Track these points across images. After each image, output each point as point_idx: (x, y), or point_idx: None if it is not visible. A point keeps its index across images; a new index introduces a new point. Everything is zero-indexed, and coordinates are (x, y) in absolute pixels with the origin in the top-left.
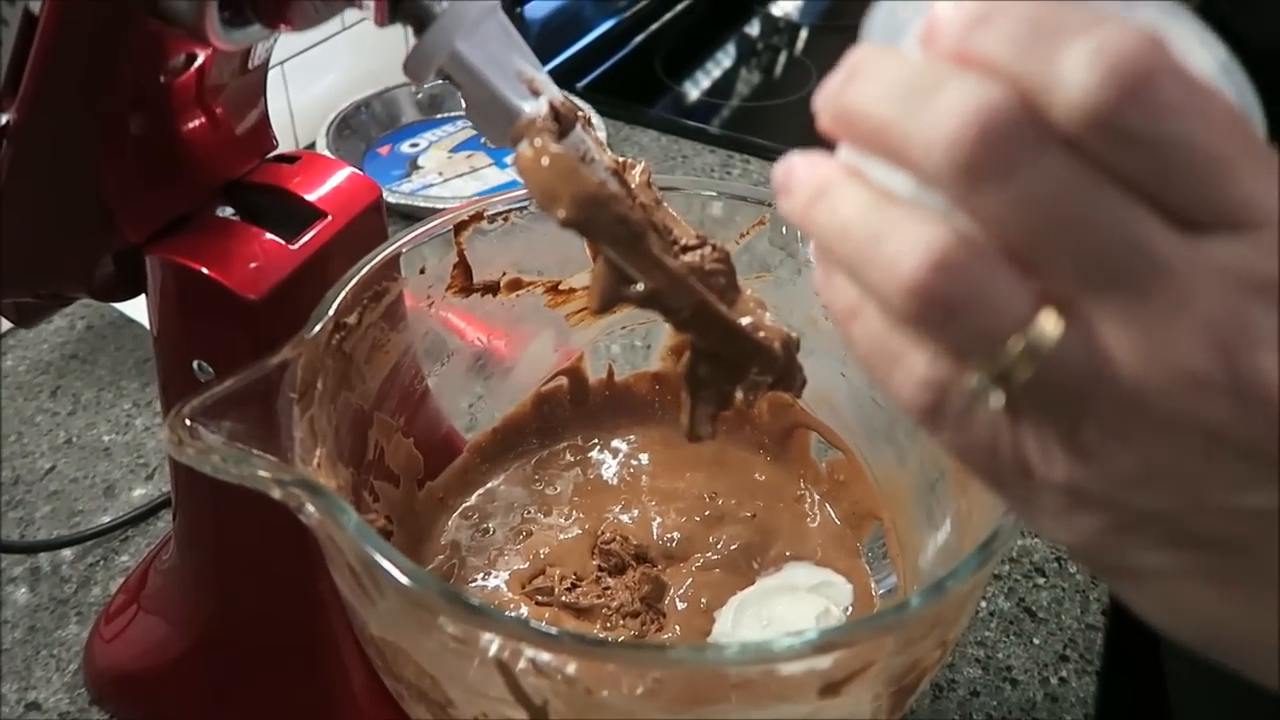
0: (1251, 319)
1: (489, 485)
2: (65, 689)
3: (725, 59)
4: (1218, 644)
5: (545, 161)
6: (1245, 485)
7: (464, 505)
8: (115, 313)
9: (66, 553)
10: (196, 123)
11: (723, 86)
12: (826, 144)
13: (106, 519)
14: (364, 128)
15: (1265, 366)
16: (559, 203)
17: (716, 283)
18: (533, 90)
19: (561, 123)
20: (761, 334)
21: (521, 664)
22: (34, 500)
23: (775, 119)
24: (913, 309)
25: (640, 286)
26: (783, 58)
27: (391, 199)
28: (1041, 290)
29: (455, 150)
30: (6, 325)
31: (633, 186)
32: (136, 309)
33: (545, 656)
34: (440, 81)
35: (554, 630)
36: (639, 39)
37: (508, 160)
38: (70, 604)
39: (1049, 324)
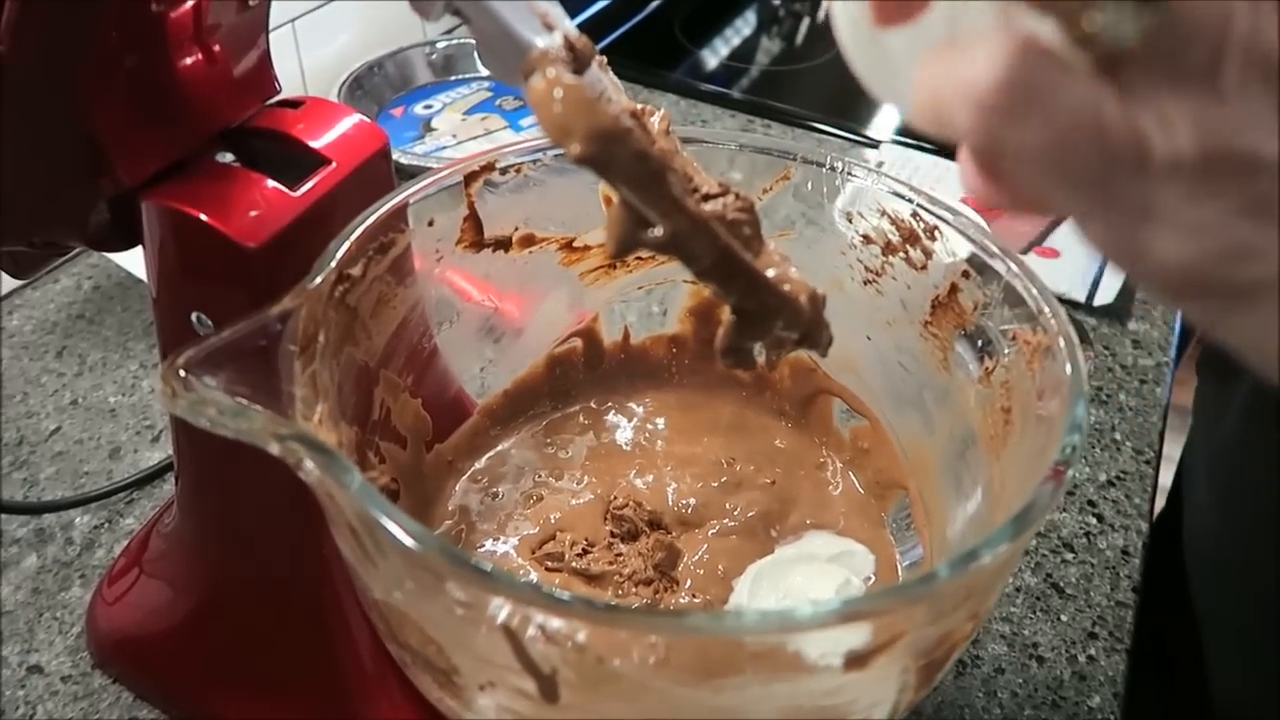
0: None
1: (499, 448)
2: (68, 652)
3: (745, 26)
4: None
5: (558, 93)
6: None
7: (473, 469)
8: (123, 273)
9: (71, 514)
10: (193, 59)
11: (743, 52)
12: (847, 114)
13: (112, 481)
14: (377, 89)
15: None
16: (573, 137)
17: (740, 232)
18: (546, 25)
19: (577, 58)
20: (787, 287)
21: (530, 631)
22: (39, 461)
23: (797, 84)
24: None
25: (659, 230)
26: (805, 25)
27: (405, 160)
28: None
29: (469, 113)
30: (11, 285)
31: (652, 134)
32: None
33: (555, 623)
34: (455, 41)
35: (565, 595)
36: (657, 3)
37: (522, 123)
38: (74, 566)
39: None
